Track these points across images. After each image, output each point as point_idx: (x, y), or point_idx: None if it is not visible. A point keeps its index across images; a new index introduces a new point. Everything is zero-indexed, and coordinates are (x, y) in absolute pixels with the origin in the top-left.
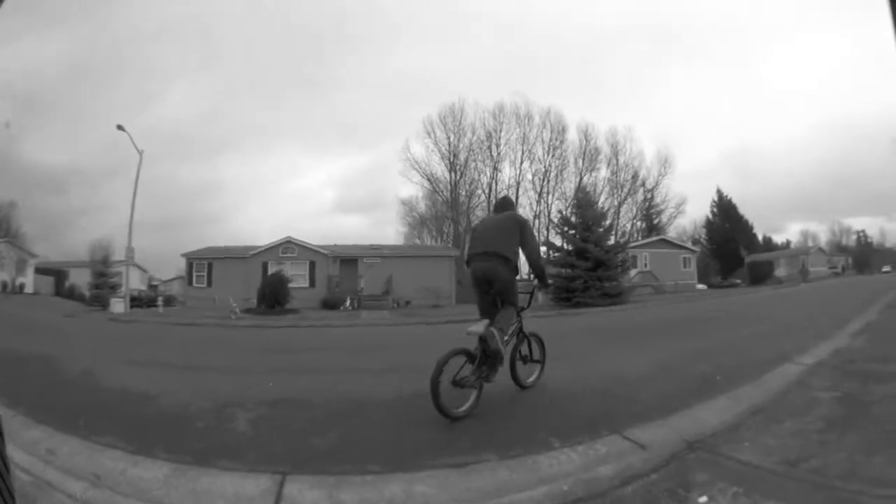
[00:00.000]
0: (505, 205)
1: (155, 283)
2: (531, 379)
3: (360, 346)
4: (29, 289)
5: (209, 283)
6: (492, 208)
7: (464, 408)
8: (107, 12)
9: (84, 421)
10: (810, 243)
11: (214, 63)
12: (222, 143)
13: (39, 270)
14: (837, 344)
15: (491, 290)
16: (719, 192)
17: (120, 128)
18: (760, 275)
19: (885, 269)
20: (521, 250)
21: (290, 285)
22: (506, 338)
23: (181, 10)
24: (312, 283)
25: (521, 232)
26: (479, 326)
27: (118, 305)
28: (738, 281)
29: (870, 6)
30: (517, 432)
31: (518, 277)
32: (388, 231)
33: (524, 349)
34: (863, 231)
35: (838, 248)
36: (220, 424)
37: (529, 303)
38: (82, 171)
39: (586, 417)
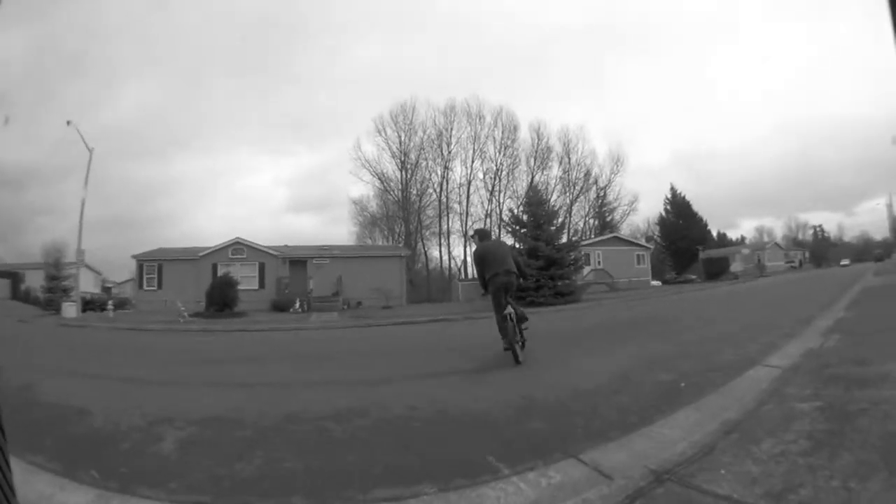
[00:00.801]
0: (488, 234)
1: (109, 285)
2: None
3: (304, 354)
4: None
5: (160, 286)
6: (475, 237)
7: (521, 357)
8: (59, 10)
9: (23, 440)
10: (766, 238)
11: (166, 58)
12: (174, 141)
13: None
14: (808, 344)
15: (508, 293)
16: (673, 190)
17: (69, 123)
18: (716, 270)
19: (844, 262)
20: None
21: (240, 287)
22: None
23: (134, 7)
24: (262, 284)
25: (511, 252)
26: (509, 309)
27: (70, 310)
28: (694, 277)
29: (831, 7)
30: (460, 454)
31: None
32: (341, 231)
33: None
34: (820, 226)
35: (795, 243)
36: (147, 446)
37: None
38: (37, 169)
39: (538, 437)
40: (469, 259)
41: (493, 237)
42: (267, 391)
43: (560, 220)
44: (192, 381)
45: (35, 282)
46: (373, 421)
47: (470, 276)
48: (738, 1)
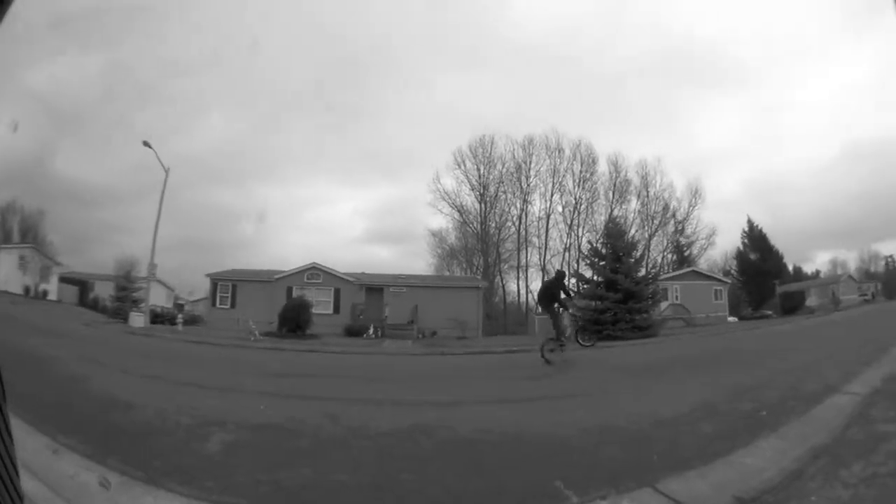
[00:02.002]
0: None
1: (181, 301)
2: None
3: (372, 376)
4: (52, 296)
5: (233, 305)
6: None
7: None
8: (149, 39)
9: (56, 422)
10: (839, 271)
11: (250, 90)
12: (252, 171)
13: (64, 279)
14: (887, 370)
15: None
16: (750, 223)
17: (146, 144)
18: (792, 305)
19: None
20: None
21: (314, 311)
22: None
23: (222, 39)
24: (337, 309)
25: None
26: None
27: (138, 319)
28: (770, 312)
29: (886, 17)
30: (529, 483)
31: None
32: (419, 263)
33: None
34: (891, 256)
35: (867, 275)
36: (188, 444)
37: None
38: (114, 188)
39: (612, 464)
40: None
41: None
42: (330, 406)
43: (638, 253)
44: (251, 389)
45: (104, 292)
46: (440, 441)
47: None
48: (801, 21)
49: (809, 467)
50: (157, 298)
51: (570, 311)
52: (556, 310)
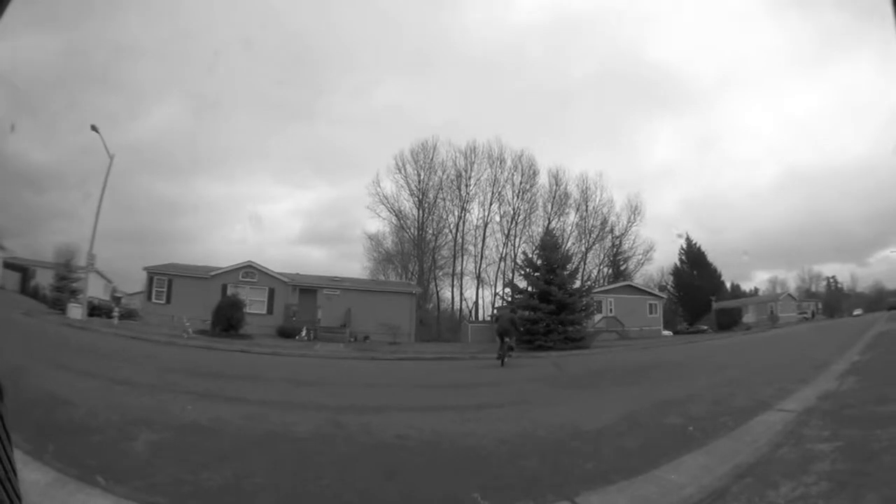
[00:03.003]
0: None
1: (119, 294)
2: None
3: (301, 379)
4: None
5: (168, 300)
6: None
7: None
8: (93, 22)
9: None
10: (779, 290)
11: (197, 83)
12: (196, 164)
13: (7, 265)
14: (824, 387)
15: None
16: (688, 240)
17: (94, 128)
18: (728, 321)
19: (857, 312)
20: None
21: (248, 311)
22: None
23: (174, 30)
24: (270, 310)
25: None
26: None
27: (75, 311)
28: (705, 327)
29: (833, 61)
30: (447, 494)
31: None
32: (354, 266)
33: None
34: (833, 277)
35: (808, 294)
36: (118, 442)
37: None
38: (58, 172)
39: (530, 477)
40: (480, 301)
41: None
42: (254, 408)
43: (574, 265)
44: (180, 389)
45: (45, 280)
46: (358, 447)
47: (480, 318)
48: (749, 53)
49: (733, 486)
50: (96, 290)
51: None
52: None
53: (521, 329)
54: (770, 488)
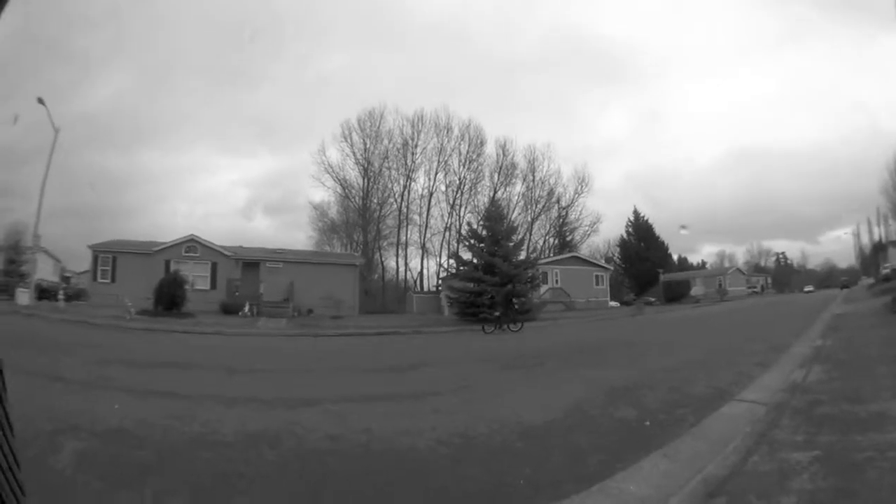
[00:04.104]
0: None
1: (68, 274)
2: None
3: (236, 365)
4: None
5: (113, 279)
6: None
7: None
8: None
9: None
10: (727, 264)
11: (143, 50)
12: (140, 134)
13: None
14: (789, 376)
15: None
16: (636, 213)
17: (40, 101)
18: (676, 294)
19: (808, 288)
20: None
21: (191, 287)
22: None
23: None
24: (214, 285)
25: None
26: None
27: (23, 296)
28: (653, 299)
29: (794, 43)
30: None
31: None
32: (299, 236)
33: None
34: (783, 253)
35: (756, 269)
36: (46, 456)
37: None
38: (5, 148)
39: (470, 489)
40: (425, 272)
41: None
42: (182, 405)
43: (519, 236)
44: (114, 383)
45: None
46: (284, 453)
47: (425, 288)
48: (703, 33)
49: None
50: (45, 271)
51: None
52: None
53: (512, 301)
54: None
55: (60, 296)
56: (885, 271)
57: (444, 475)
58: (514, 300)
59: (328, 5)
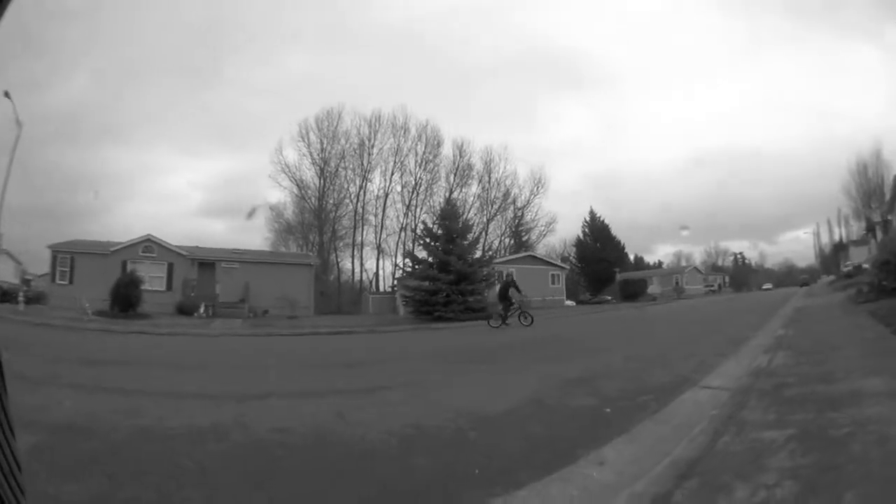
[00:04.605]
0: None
1: (29, 277)
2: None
3: (188, 363)
4: None
5: (71, 281)
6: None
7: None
8: None
9: None
10: (684, 263)
11: (105, 48)
12: (103, 133)
13: None
14: (751, 363)
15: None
16: (592, 213)
17: (6, 95)
18: (632, 292)
19: (766, 286)
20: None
21: (147, 288)
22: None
23: None
24: (170, 286)
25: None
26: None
27: None
28: (609, 298)
29: (749, 51)
30: (317, 496)
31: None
32: (255, 238)
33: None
34: (741, 253)
35: (714, 268)
36: None
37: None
38: None
39: (421, 481)
40: (381, 272)
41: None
42: (132, 400)
43: (474, 235)
44: (62, 380)
45: None
46: (231, 446)
47: (381, 289)
48: (668, 39)
49: (676, 492)
50: (6, 273)
51: (516, 302)
52: (507, 302)
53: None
54: (722, 493)
55: (20, 298)
56: (846, 269)
57: (395, 465)
58: (471, 298)
59: (289, 6)
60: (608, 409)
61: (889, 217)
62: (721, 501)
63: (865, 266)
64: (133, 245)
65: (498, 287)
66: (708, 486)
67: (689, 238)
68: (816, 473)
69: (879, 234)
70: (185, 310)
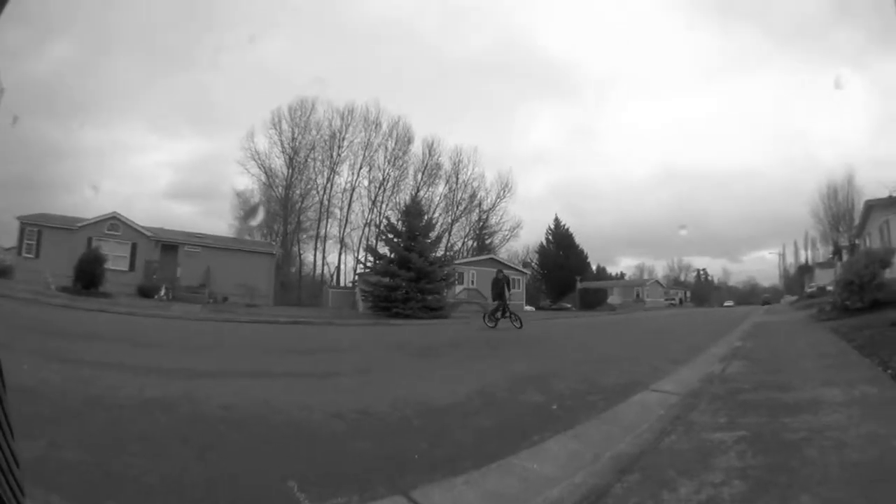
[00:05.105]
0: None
1: None
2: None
3: (144, 340)
4: None
5: (38, 254)
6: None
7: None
8: None
9: None
10: (646, 276)
11: (86, 19)
12: (78, 106)
13: None
14: (706, 369)
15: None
16: (557, 221)
17: None
18: (593, 301)
19: (728, 303)
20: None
21: (111, 267)
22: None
23: None
24: (133, 266)
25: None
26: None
27: None
28: (569, 305)
29: (727, 69)
30: (261, 478)
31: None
32: (221, 224)
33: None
34: (704, 269)
35: (676, 283)
36: None
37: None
38: None
39: (363, 463)
40: (342, 267)
41: (501, 274)
42: (85, 371)
43: (436, 234)
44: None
45: None
46: (177, 417)
47: (342, 284)
48: (645, 53)
49: (616, 485)
50: None
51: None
52: (502, 301)
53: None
54: (665, 489)
55: None
56: (809, 289)
57: (337, 446)
58: (430, 296)
59: None
60: (555, 406)
61: (857, 241)
62: (664, 496)
63: (829, 288)
64: (99, 222)
65: (492, 285)
66: (650, 481)
67: (652, 251)
68: (768, 474)
69: (846, 257)
70: (146, 292)
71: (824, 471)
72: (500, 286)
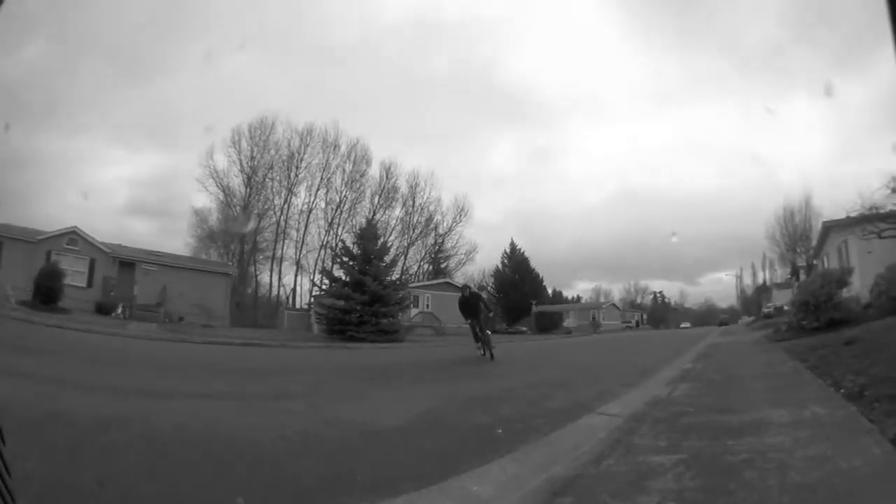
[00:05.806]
0: (467, 287)
1: None
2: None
3: (101, 358)
4: None
5: None
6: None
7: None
8: None
9: None
10: (602, 299)
11: (55, 21)
12: (41, 113)
13: None
14: (653, 392)
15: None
16: (513, 245)
17: None
18: (548, 324)
19: (684, 325)
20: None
21: (69, 282)
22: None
23: None
24: (90, 283)
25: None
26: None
27: None
28: (524, 329)
29: (686, 94)
30: (208, 496)
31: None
32: (177, 243)
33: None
34: (660, 291)
35: (632, 305)
36: None
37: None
38: None
39: (305, 483)
40: (298, 289)
41: (469, 292)
42: (43, 387)
43: (392, 257)
44: None
45: None
46: (128, 435)
47: (297, 306)
48: (603, 77)
49: None
50: None
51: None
52: (479, 319)
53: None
54: None
55: None
56: (766, 310)
57: (282, 467)
58: (384, 320)
59: (237, 9)
60: (500, 430)
61: (815, 262)
62: None
63: (786, 308)
64: (59, 236)
65: (460, 306)
66: (582, 503)
67: (608, 275)
68: (704, 496)
69: (803, 278)
70: (103, 309)
71: (764, 493)
72: (470, 305)
